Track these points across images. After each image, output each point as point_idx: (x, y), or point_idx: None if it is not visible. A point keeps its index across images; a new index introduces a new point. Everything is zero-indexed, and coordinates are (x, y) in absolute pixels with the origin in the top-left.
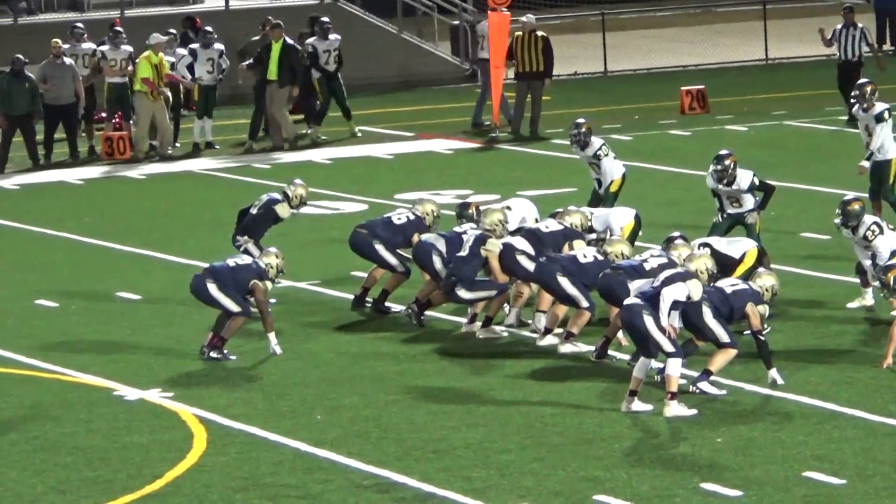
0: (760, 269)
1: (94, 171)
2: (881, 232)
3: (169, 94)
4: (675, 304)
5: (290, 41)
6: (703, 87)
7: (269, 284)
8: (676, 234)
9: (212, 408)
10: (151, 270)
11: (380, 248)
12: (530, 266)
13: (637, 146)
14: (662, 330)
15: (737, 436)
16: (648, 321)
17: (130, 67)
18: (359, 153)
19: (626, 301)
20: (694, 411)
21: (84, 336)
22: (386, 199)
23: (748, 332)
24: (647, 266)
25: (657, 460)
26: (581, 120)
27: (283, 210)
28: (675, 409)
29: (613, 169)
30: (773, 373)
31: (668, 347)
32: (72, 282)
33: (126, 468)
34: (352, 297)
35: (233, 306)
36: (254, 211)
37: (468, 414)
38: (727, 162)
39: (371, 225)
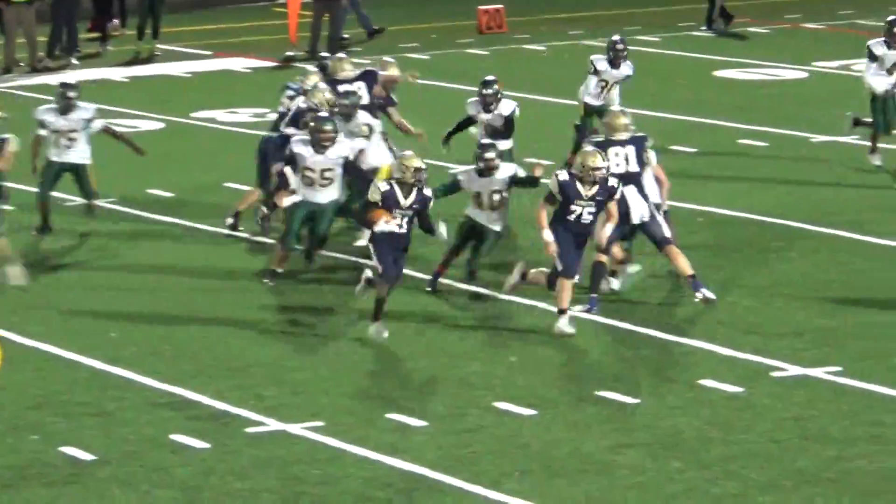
0: None
1: None
2: None
3: None
4: None
5: None
6: (501, 6)
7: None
8: None
9: (6, 326)
10: None
11: None
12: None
13: (435, 65)
14: None
15: (530, 354)
16: None
17: None
18: (156, 71)
19: None
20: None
21: None
22: (183, 117)
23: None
24: None
25: (450, 379)
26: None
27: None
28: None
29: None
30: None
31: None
32: None
33: None
34: (149, 216)
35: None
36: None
37: (262, 333)
38: None
39: None
